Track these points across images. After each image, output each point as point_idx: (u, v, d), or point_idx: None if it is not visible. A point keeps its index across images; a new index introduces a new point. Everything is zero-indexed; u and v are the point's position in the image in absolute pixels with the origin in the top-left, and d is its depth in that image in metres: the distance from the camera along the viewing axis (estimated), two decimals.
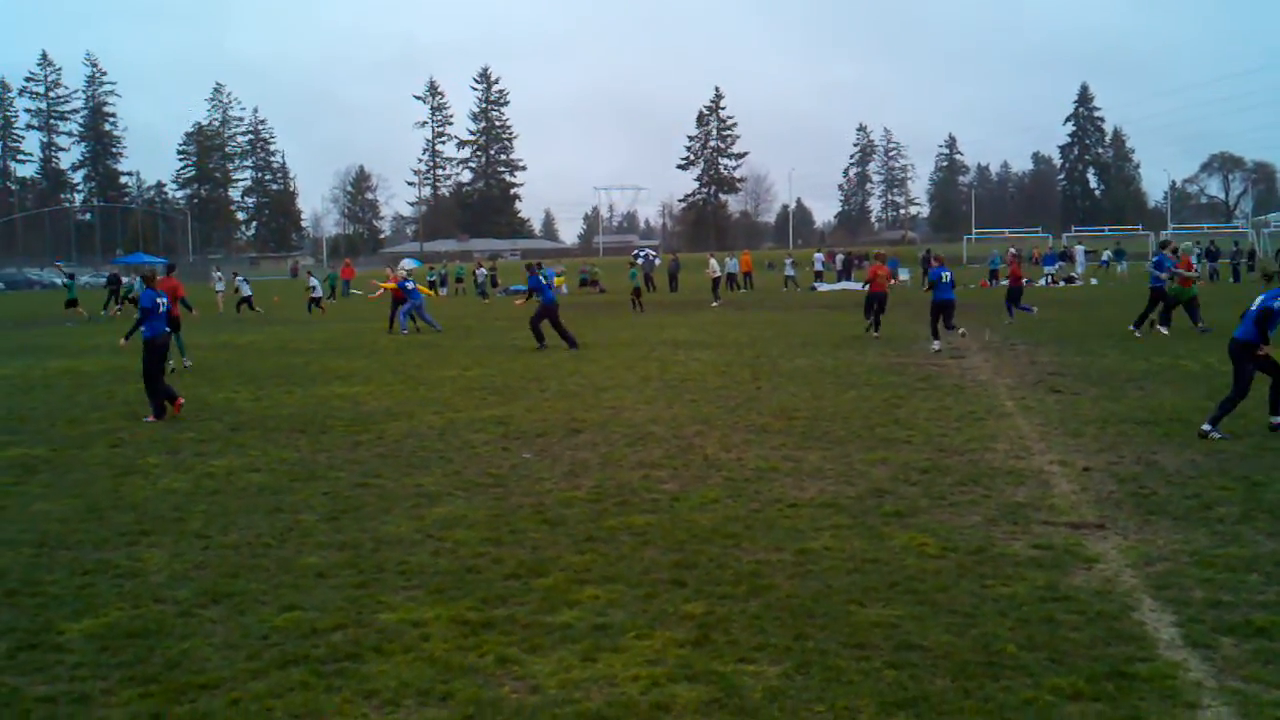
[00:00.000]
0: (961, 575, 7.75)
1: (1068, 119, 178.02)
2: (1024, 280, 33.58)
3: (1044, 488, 10.43)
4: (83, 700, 5.89)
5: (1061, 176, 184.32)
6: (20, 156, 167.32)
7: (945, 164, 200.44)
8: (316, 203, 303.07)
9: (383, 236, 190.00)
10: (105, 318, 45.28)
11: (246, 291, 45.62)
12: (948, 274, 25.61)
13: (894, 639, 6.51)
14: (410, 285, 34.06)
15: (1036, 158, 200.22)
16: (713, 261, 49.91)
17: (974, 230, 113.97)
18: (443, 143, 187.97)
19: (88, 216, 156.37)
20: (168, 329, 16.58)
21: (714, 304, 44.91)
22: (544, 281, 26.74)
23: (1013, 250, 37.75)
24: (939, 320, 24.98)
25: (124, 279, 53.52)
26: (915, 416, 14.71)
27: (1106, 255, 69.21)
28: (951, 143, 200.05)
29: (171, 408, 16.17)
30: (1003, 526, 9.06)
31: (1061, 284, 57.63)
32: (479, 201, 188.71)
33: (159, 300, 16.42)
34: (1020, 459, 11.79)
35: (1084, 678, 5.87)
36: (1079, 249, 69.00)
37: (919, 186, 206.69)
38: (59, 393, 19.75)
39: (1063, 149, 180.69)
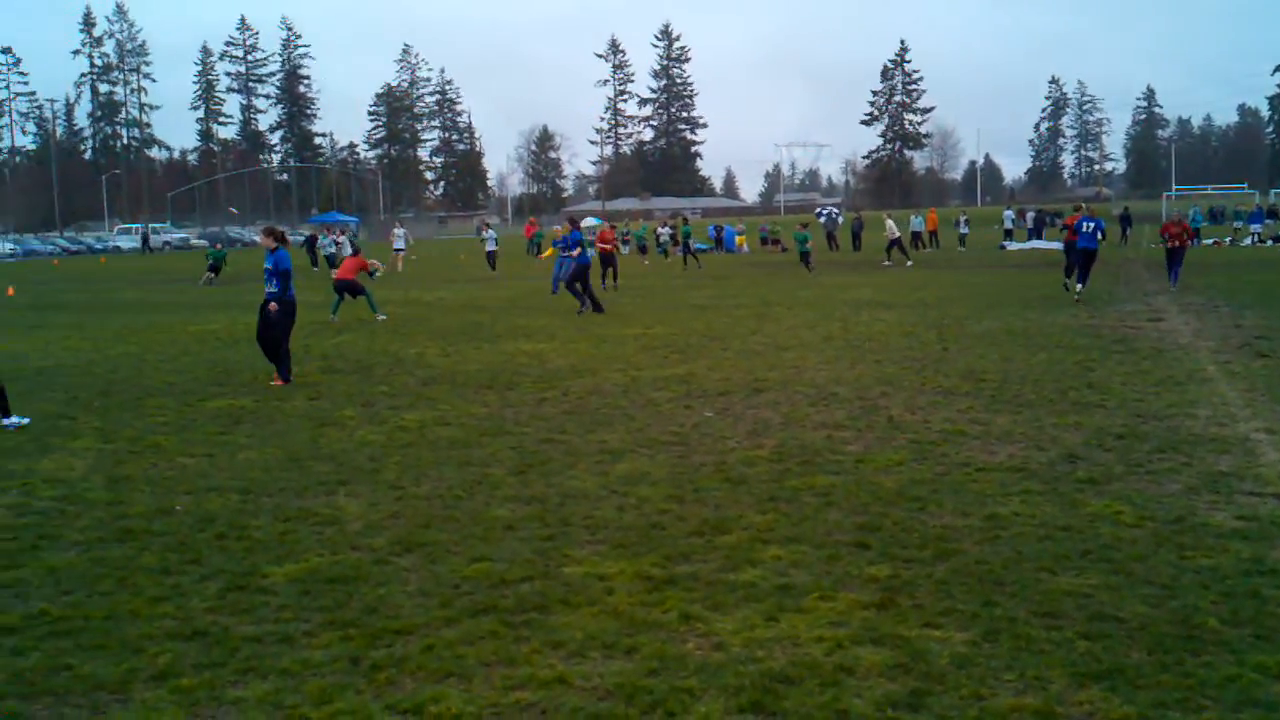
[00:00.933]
0: (1159, 545, 7.48)
1: (1277, 68, 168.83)
2: (1186, 243, 30.26)
3: (1249, 456, 9.97)
4: (286, 641, 6.16)
5: (1270, 130, 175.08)
6: (221, 119, 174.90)
7: (1143, 117, 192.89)
8: (501, 162, 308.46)
9: (565, 195, 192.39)
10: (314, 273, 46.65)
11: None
12: (1091, 224, 27.13)
13: (1087, 609, 6.33)
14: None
15: (1242, 110, 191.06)
16: (889, 222, 49.08)
17: (1174, 187, 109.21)
18: (624, 101, 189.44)
19: (284, 177, 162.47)
20: (291, 295, 15.77)
21: (885, 263, 44.20)
22: (584, 240, 26.55)
23: (1180, 211, 34.59)
24: (1080, 267, 26.75)
25: (320, 238, 54.55)
26: (1110, 380, 14.23)
27: None
28: (1150, 95, 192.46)
29: (276, 379, 15.63)
30: (1204, 496, 8.70)
31: (1269, 243, 54.90)
32: (660, 160, 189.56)
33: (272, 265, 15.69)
34: (1223, 426, 11.29)
35: None
36: None
37: (1115, 141, 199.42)
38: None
39: (1271, 100, 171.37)
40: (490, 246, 47.62)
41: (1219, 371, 14.76)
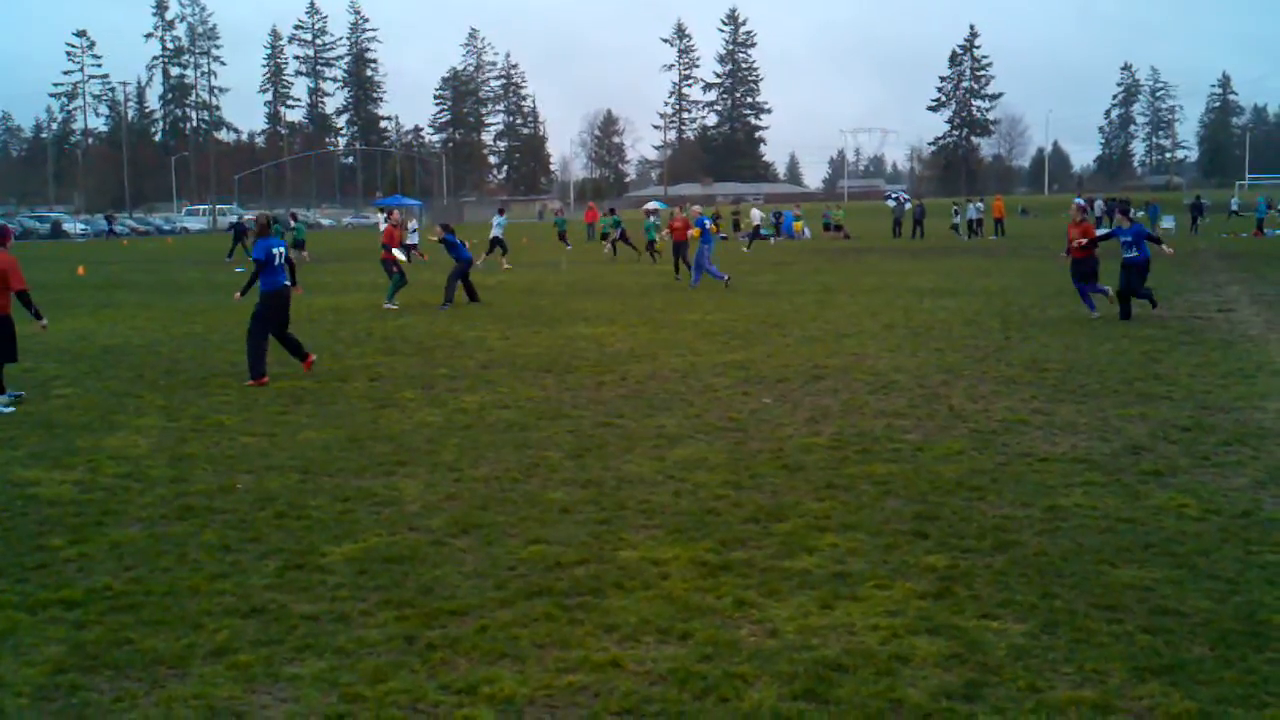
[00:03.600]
0: (1224, 540, 7.34)
1: None
2: (1087, 244, 20.49)
3: None
4: (343, 619, 6.21)
5: None
6: (289, 102, 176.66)
7: (1218, 105, 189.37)
8: (565, 147, 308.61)
9: (628, 180, 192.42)
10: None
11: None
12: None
13: (1148, 602, 6.23)
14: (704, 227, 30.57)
15: None
16: (755, 211, 47.98)
17: (1247, 175, 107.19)
18: (689, 86, 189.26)
19: (350, 160, 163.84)
20: (287, 282, 14.76)
21: (745, 249, 43.46)
22: (459, 241, 25.42)
23: (1078, 201, 22.20)
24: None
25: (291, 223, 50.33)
26: (1177, 371, 13.99)
27: None
28: (1225, 82, 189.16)
29: (302, 365, 14.96)
30: (1272, 490, 8.52)
31: None
32: (723, 145, 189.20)
33: (275, 251, 14.55)
34: None
35: None
36: None
37: (1187, 129, 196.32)
38: (323, 327, 20.81)
39: None
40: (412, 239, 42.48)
41: None
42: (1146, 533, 7.51)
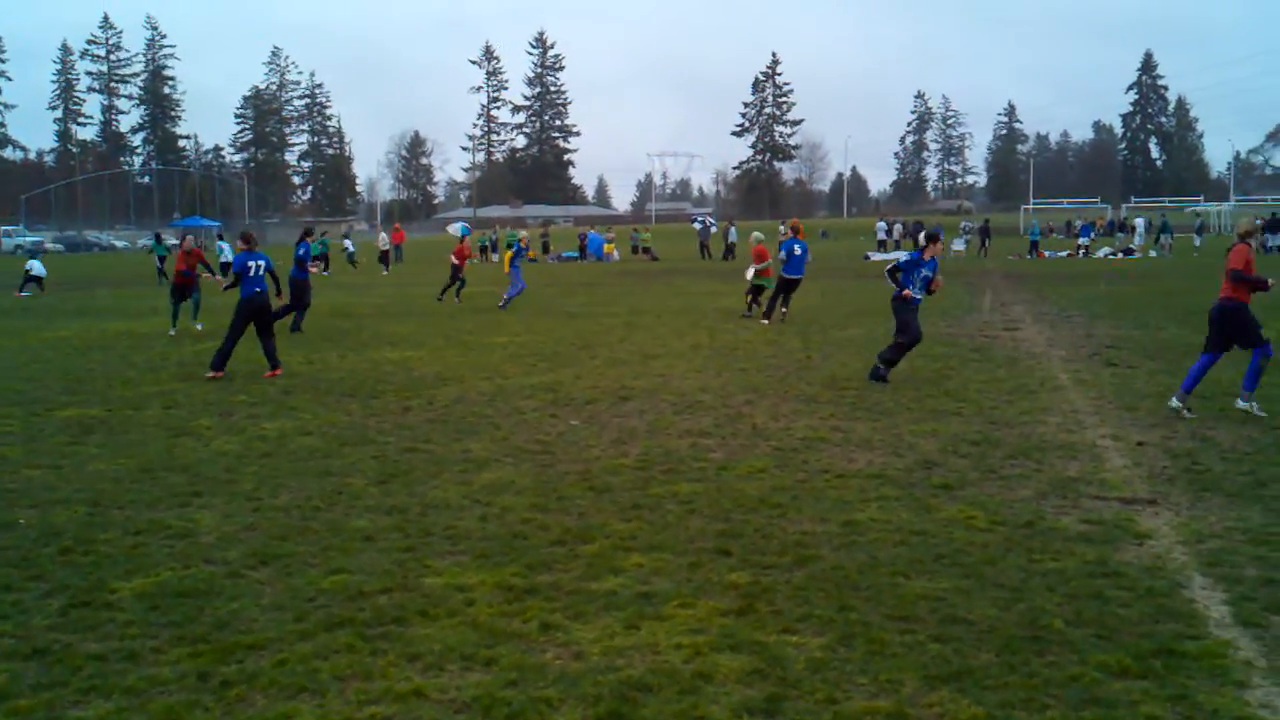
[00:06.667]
0: (1009, 549, 7.68)
1: (1130, 87, 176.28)
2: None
3: (1096, 462, 10.30)
4: (132, 658, 5.97)
5: (1123, 146, 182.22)
6: (81, 120, 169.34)
7: (1004, 132, 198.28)
8: (371, 167, 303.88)
9: (436, 202, 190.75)
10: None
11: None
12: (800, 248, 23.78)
13: (939, 612, 6.47)
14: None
15: (1097, 126, 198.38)
16: (383, 235, 44.23)
17: (1032, 200, 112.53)
18: (497, 108, 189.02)
19: (146, 180, 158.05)
20: (260, 290, 16.99)
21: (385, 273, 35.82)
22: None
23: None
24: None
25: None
26: (966, 388, 14.57)
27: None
28: (1011, 110, 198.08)
29: (270, 372, 16.87)
30: (1053, 501, 8.96)
31: (1120, 256, 56.94)
32: (532, 167, 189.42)
33: (251, 264, 16.84)
34: (1073, 433, 11.64)
35: (1131, 655, 5.80)
36: (1139, 220, 67.78)
37: (976, 155, 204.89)
38: (116, 354, 20.00)
39: (1124, 118, 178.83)
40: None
41: (1070, 380, 15.22)
42: (937, 544, 7.79)
